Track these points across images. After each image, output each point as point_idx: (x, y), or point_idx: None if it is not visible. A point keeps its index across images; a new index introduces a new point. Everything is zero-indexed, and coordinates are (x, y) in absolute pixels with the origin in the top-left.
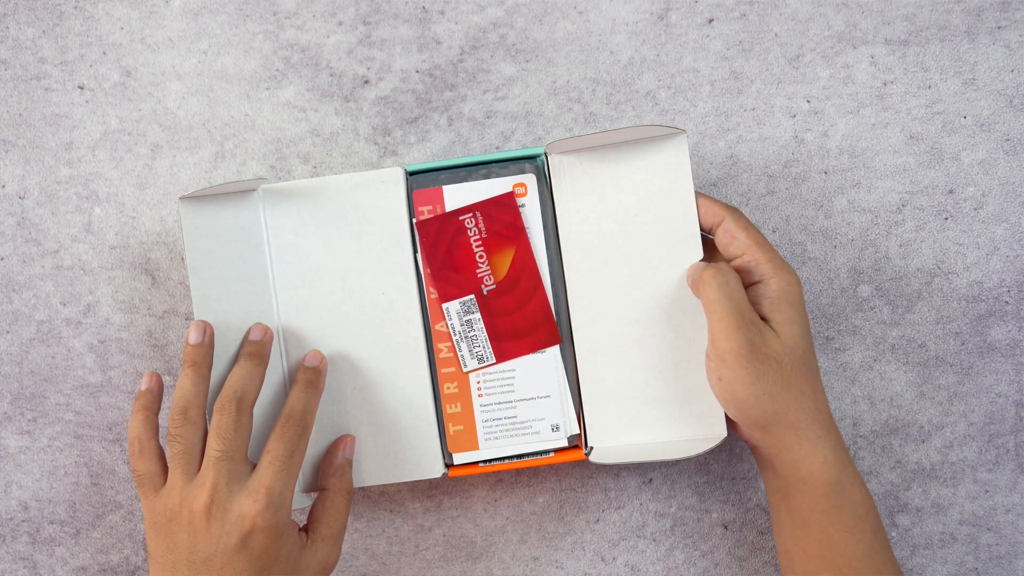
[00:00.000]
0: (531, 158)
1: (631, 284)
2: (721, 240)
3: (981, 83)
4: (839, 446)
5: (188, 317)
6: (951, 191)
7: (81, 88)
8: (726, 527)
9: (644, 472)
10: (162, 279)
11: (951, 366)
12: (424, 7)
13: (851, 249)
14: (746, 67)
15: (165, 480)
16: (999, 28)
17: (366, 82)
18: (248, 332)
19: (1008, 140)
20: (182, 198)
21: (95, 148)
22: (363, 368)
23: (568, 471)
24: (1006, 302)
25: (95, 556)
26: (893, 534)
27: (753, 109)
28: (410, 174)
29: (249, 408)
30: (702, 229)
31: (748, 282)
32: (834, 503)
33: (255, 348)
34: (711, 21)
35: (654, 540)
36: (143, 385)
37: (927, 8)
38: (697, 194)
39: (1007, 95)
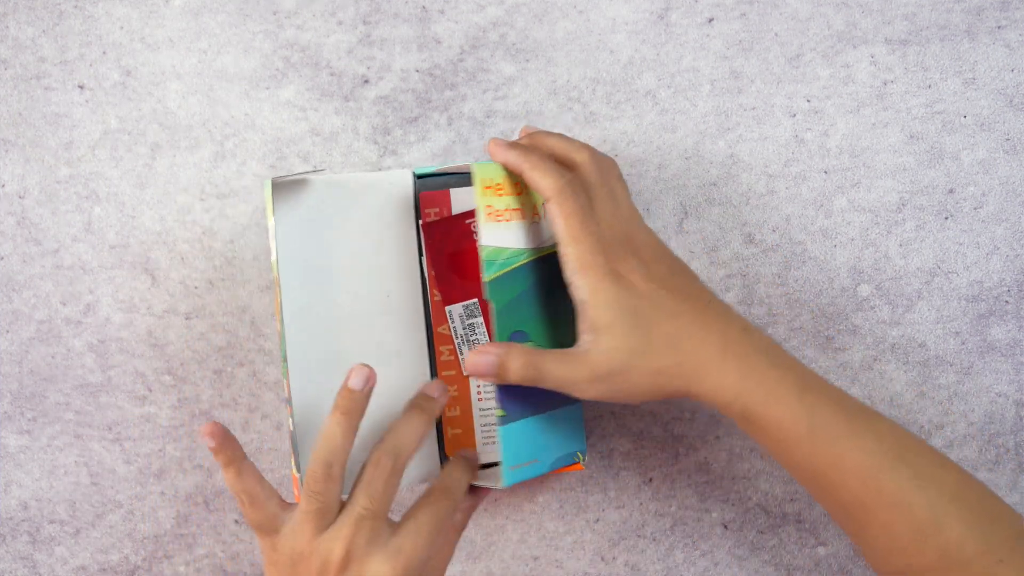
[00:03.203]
0: None
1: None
2: (549, 219)
3: (981, 83)
4: (737, 376)
5: (188, 317)
6: (951, 191)
7: (81, 88)
8: (726, 527)
9: (644, 472)
10: (162, 279)
11: (951, 366)
12: (424, 7)
13: (851, 249)
14: (746, 67)
15: (281, 516)
16: (999, 28)
17: (366, 82)
18: (424, 386)
19: (1008, 140)
20: (276, 181)
21: (95, 148)
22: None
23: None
24: (1006, 302)
25: (95, 556)
26: None
27: (753, 109)
28: (418, 177)
29: (404, 467)
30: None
31: (568, 282)
32: (757, 429)
33: (426, 403)
34: (711, 21)
35: (654, 540)
36: (210, 442)
37: (927, 8)
38: (532, 156)
39: (1007, 95)
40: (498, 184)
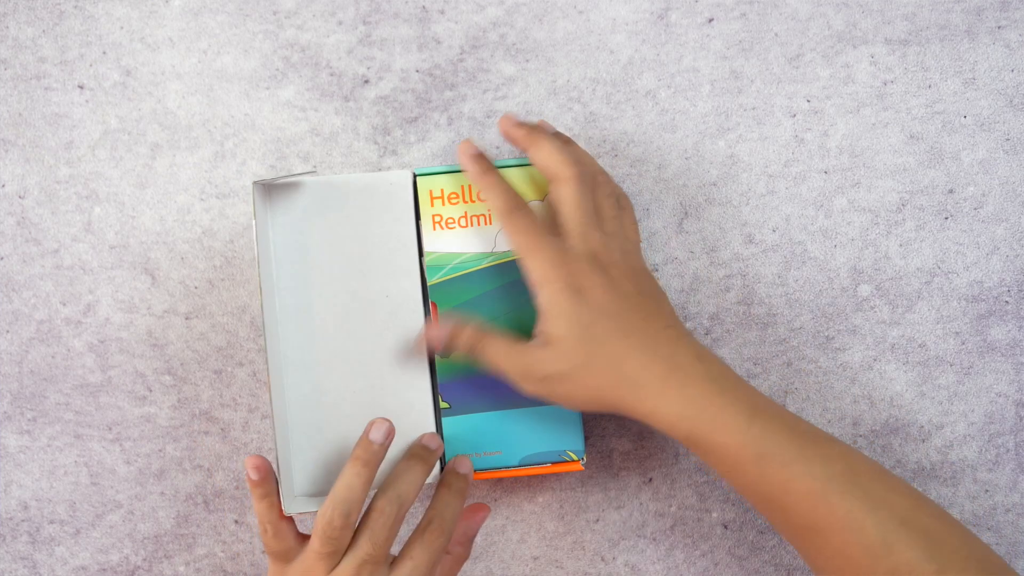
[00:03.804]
0: None
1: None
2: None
3: (981, 83)
4: (681, 401)
5: (188, 317)
6: (951, 191)
7: (81, 88)
8: (726, 527)
9: (644, 472)
10: (162, 279)
11: (951, 366)
12: (424, 7)
13: (851, 249)
14: (746, 67)
15: (296, 548)
16: (999, 28)
17: (366, 82)
18: (422, 437)
19: (1008, 140)
20: (257, 183)
21: (95, 148)
22: (363, 370)
23: (568, 471)
24: (1006, 302)
25: (95, 556)
26: None
27: (753, 109)
28: (417, 177)
29: (405, 515)
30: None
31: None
32: (705, 452)
33: (425, 453)
34: (711, 21)
35: (654, 540)
36: (254, 475)
37: (927, 8)
38: (537, 139)
39: (1007, 95)
40: (452, 193)
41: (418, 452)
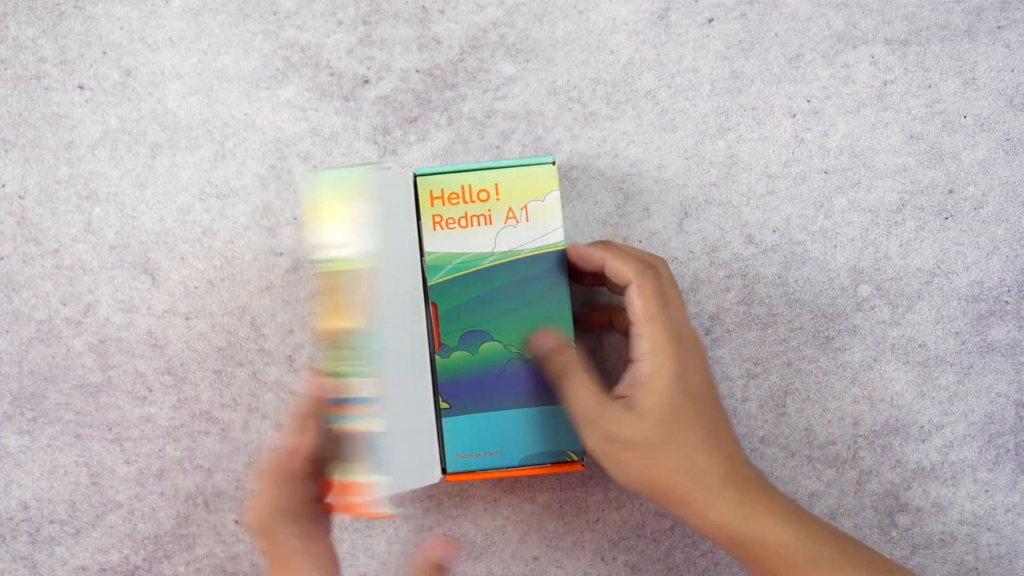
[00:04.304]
0: (539, 166)
1: None
2: (626, 302)
3: (981, 83)
4: (740, 500)
5: (188, 317)
6: (951, 191)
7: (81, 88)
8: None
9: None
10: (162, 279)
11: (951, 366)
12: (424, 7)
13: (851, 249)
14: (746, 67)
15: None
16: (999, 28)
17: (366, 82)
18: (427, 549)
19: (1008, 140)
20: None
21: (95, 148)
22: (390, 366)
23: (568, 471)
24: (1006, 302)
25: (95, 556)
26: (893, 534)
27: (753, 109)
28: (417, 177)
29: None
30: (613, 287)
31: (633, 356)
32: (750, 554)
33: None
34: (711, 21)
35: (654, 540)
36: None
37: (927, 8)
38: (608, 250)
39: (1007, 95)
40: (452, 193)
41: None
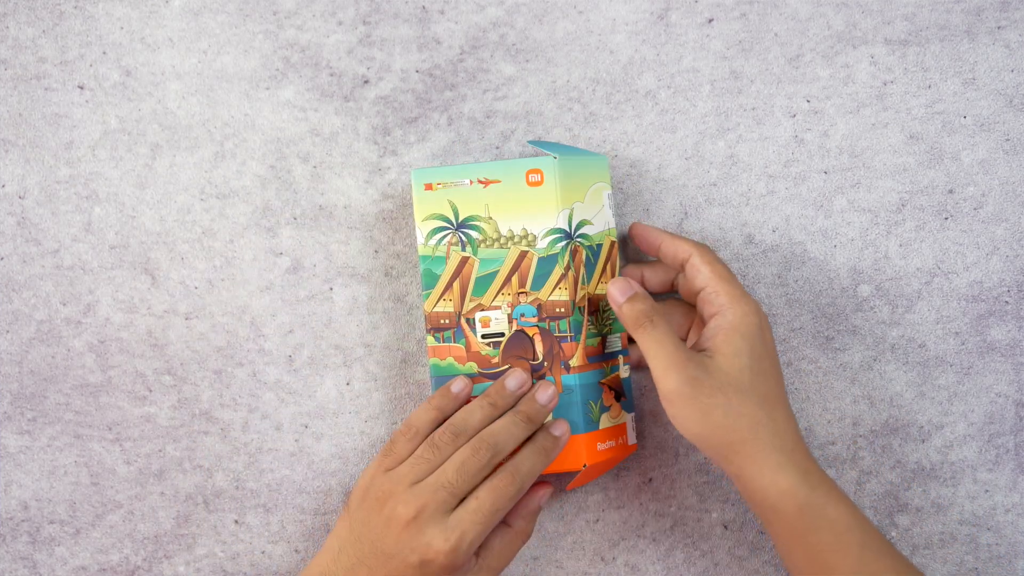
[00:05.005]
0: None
1: None
2: (689, 274)
3: (981, 83)
4: (806, 468)
5: (188, 317)
6: (951, 191)
7: (81, 88)
8: (726, 527)
9: (644, 472)
10: (162, 279)
11: (951, 366)
12: (424, 7)
13: (851, 249)
14: (746, 67)
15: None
16: (999, 28)
17: (366, 82)
18: (537, 389)
19: (1008, 140)
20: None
21: (95, 148)
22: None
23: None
24: (1006, 302)
25: (95, 556)
26: (893, 534)
27: (753, 109)
28: (416, 171)
29: (495, 464)
30: (670, 265)
31: (709, 313)
32: (809, 526)
33: (537, 415)
34: (711, 21)
35: (654, 540)
36: (455, 388)
37: (927, 8)
38: (664, 232)
39: (1007, 95)
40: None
41: (543, 440)
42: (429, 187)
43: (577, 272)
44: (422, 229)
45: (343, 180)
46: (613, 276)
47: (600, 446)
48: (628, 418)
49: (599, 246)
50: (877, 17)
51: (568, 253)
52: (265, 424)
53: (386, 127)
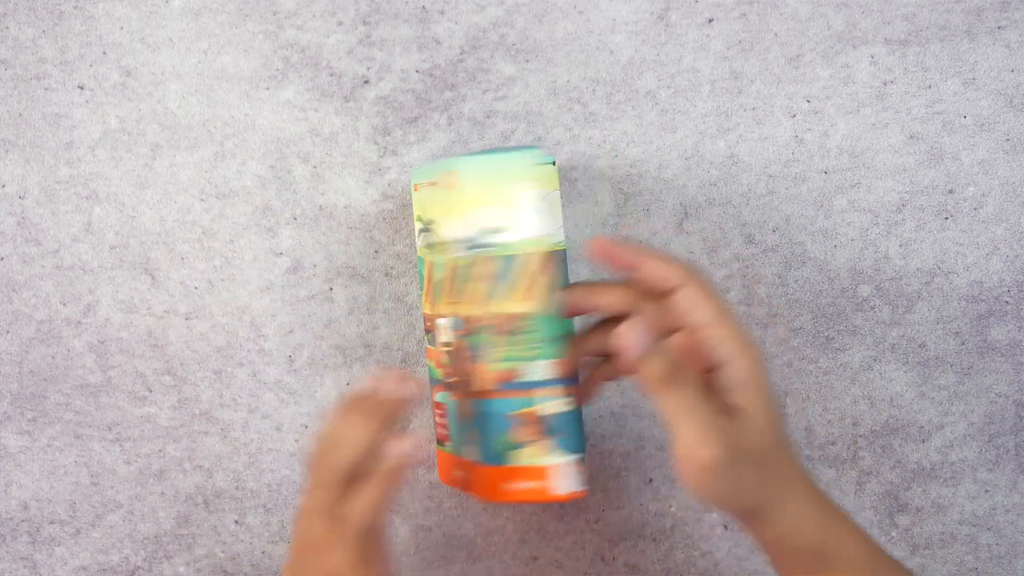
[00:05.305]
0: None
1: None
2: (680, 306)
3: (981, 83)
4: (820, 506)
5: (188, 317)
6: (951, 191)
7: (81, 88)
8: (726, 527)
9: (644, 472)
10: (162, 279)
11: (951, 366)
12: (424, 7)
13: (851, 249)
14: (746, 67)
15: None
16: (999, 28)
17: (366, 82)
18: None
19: (1008, 140)
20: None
21: (95, 148)
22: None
23: None
24: (1006, 302)
25: (95, 556)
26: (893, 534)
27: (753, 109)
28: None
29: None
30: (649, 290)
31: (717, 360)
32: (824, 566)
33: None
34: (711, 21)
35: (654, 540)
36: (407, 390)
37: (927, 8)
38: (644, 251)
39: (1007, 95)
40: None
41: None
42: (416, 187)
43: (458, 286)
44: (416, 229)
45: (343, 180)
46: (545, 293)
47: (506, 485)
48: (566, 461)
49: (515, 257)
50: (877, 17)
51: (448, 266)
52: (265, 424)
53: (386, 127)
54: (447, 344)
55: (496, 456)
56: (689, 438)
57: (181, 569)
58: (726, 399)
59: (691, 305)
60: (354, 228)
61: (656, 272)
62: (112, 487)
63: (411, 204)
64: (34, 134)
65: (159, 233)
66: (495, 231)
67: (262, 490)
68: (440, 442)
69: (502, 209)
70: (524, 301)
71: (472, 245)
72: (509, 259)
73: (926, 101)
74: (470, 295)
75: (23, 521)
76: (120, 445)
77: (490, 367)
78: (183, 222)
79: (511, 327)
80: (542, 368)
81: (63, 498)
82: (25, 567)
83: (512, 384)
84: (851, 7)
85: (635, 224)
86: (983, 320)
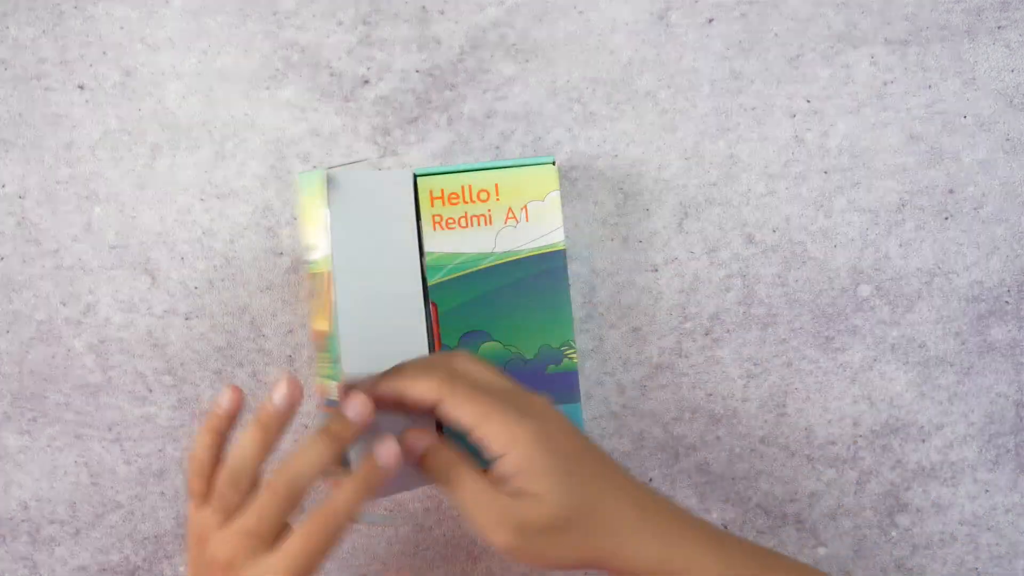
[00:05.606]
0: (539, 166)
1: None
2: (447, 418)
3: (981, 83)
4: (658, 534)
5: (188, 317)
6: (951, 191)
7: (81, 88)
8: (726, 527)
9: (644, 472)
10: (162, 279)
11: (951, 366)
12: (424, 7)
13: (851, 249)
14: (746, 67)
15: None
16: (999, 28)
17: (366, 82)
18: (347, 403)
19: (1008, 140)
20: (332, 169)
21: (95, 148)
22: (363, 369)
23: None
24: (1006, 302)
25: (95, 556)
26: (893, 534)
27: (753, 109)
28: (417, 177)
29: (300, 497)
30: (419, 405)
31: (490, 455)
32: None
33: (335, 427)
34: (711, 21)
35: None
36: (223, 404)
37: (927, 8)
38: (393, 380)
39: (1007, 95)
40: (452, 193)
41: (328, 425)
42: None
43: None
44: None
45: None
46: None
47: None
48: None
49: (318, 275)
50: (877, 17)
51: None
52: None
53: (386, 127)
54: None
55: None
56: (479, 526)
57: (181, 569)
58: (512, 485)
59: (454, 414)
60: None
61: (416, 395)
62: (112, 487)
63: None
64: (34, 134)
65: (159, 233)
66: (310, 248)
67: None
68: None
69: (313, 227)
70: (324, 319)
71: (305, 260)
72: (315, 276)
73: (926, 101)
74: (309, 310)
75: (23, 521)
76: (120, 445)
77: (316, 382)
78: (183, 222)
79: (319, 344)
80: (333, 388)
81: (63, 498)
82: (25, 567)
83: (329, 401)
84: (851, 7)
85: (635, 224)
86: (983, 320)
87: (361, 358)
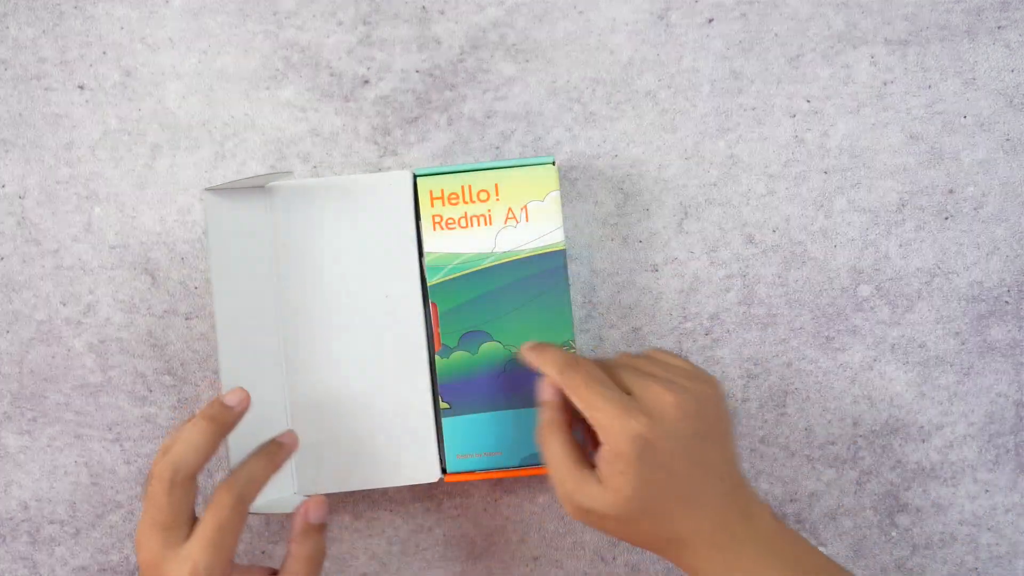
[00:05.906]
0: (539, 166)
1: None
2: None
3: (981, 83)
4: (725, 563)
5: (188, 317)
6: (951, 191)
7: (81, 88)
8: None
9: None
10: (162, 279)
11: (951, 366)
12: (424, 7)
13: (851, 249)
14: (746, 67)
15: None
16: (999, 28)
17: (366, 82)
18: (224, 393)
19: (1008, 140)
20: (207, 190)
21: (95, 148)
22: (363, 370)
23: None
24: (1006, 302)
25: (95, 556)
26: (893, 534)
27: (753, 109)
28: (417, 177)
29: (186, 481)
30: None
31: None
32: None
33: (219, 412)
34: (711, 21)
35: None
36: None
37: (927, 8)
38: (540, 351)
39: (1007, 95)
40: (452, 193)
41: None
42: None
43: None
44: None
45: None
46: None
47: None
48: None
49: None
50: (877, 17)
51: None
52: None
53: (386, 127)
54: None
55: None
56: (554, 489)
57: None
58: (600, 470)
59: (571, 399)
60: None
61: (546, 372)
62: (112, 487)
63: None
64: (34, 134)
65: (159, 233)
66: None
67: None
68: None
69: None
70: None
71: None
72: None
73: (926, 101)
74: None
75: (23, 521)
76: (120, 445)
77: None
78: (183, 222)
79: None
80: None
81: (63, 498)
82: (25, 567)
83: None
84: (851, 7)
85: (635, 224)
86: (983, 320)
87: (238, 375)
